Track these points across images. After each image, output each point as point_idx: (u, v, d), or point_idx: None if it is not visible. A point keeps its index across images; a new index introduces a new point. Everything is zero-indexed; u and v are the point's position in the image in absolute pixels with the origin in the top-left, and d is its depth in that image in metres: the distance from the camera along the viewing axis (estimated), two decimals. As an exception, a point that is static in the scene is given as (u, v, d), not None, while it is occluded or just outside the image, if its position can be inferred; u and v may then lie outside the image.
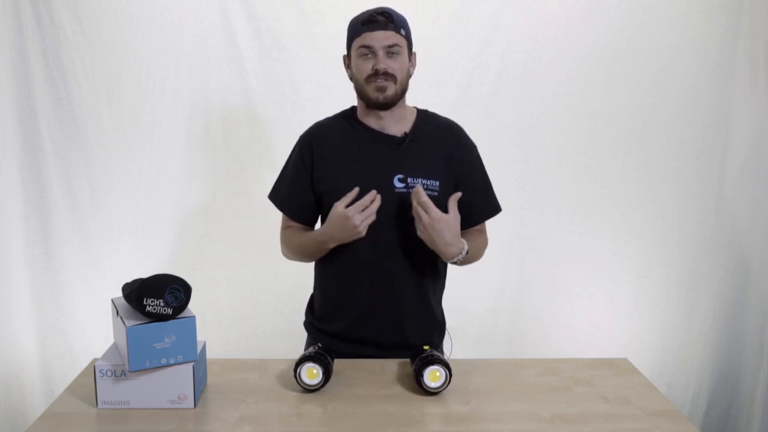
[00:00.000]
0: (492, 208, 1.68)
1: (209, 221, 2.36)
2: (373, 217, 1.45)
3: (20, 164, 2.13)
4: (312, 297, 1.73)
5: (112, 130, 2.22)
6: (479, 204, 1.65)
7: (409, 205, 1.52)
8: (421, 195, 1.44)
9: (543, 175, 2.39)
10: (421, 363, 1.35)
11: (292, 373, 1.35)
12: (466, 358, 1.68)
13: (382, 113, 1.56)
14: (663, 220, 2.37)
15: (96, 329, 2.25)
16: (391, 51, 1.49)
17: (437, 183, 1.55)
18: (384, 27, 1.48)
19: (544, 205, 2.40)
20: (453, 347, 1.75)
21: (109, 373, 1.27)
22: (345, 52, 1.59)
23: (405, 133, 1.58)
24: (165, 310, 1.25)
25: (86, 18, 2.12)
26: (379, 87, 1.50)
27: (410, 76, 1.57)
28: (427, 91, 2.13)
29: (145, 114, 2.24)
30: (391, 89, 1.51)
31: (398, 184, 1.53)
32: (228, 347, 2.32)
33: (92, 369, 1.31)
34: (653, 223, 2.38)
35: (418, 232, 1.47)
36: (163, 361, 1.26)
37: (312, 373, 1.34)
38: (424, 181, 1.54)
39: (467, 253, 1.52)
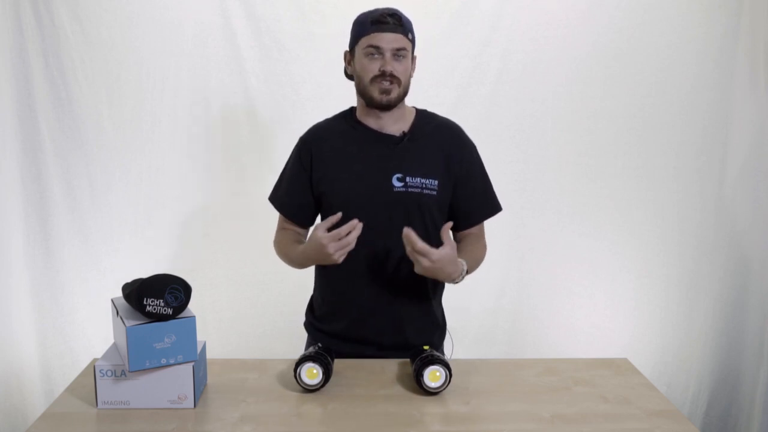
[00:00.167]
0: (492, 207, 1.67)
1: (209, 221, 2.36)
2: (351, 246, 1.41)
3: (20, 164, 2.13)
4: (312, 297, 1.73)
5: (112, 130, 2.22)
6: (479, 203, 1.65)
7: (409, 206, 1.53)
8: (415, 242, 1.39)
9: (543, 175, 2.39)
10: (421, 363, 1.35)
11: (292, 373, 1.35)
12: (466, 358, 1.68)
13: (382, 113, 1.56)
14: (663, 220, 2.37)
15: (96, 329, 2.25)
16: (398, 54, 1.50)
17: (436, 182, 1.56)
18: (393, 29, 1.48)
19: (544, 205, 2.40)
20: (453, 348, 1.75)
21: (109, 373, 1.27)
22: (346, 49, 1.59)
23: (403, 132, 1.58)
24: (165, 310, 1.25)
25: (86, 18, 2.12)
26: (384, 90, 1.50)
27: (411, 77, 1.57)
28: (427, 91, 2.13)
29: (145, 114, 2.24)
30: (395, 92, 1.51)
31: (397, 184, 1.53)
32: (228, 347, 2.32)
33: (92, 369, 1.31)
34: (653, 223, 2.38)
35: (417, 271, 1.44)
36: (163, 361, 1.26)
37: (312, 373, 1.34)
38: (423, 181, 1.54)
39: (466, 271, 1.53)
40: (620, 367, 1.53)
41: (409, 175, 1.54)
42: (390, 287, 1.56)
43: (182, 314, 1.28)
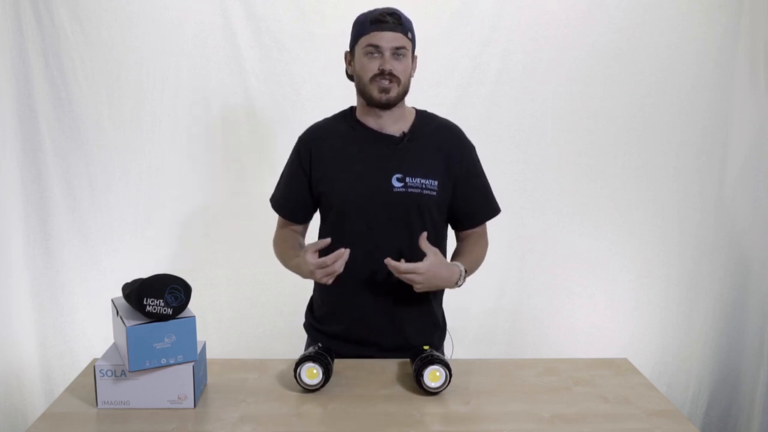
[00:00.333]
0: (492, 208, 1.68)
1: (209, 221, 2.36)
2: (339, 271, 1.43)
3: (20, 164, 2.13)
4: (312, 298, 1.73)
5: (112, 130, 2.22)
6: (479, 205, 1.65)
7: (408, 206, 1.53)
8: (398, 267, 1.42)
9: (543, 175, 2.39)
10: (421, 363, 1.35)
11: (292, 373, 1.35)
12: (466, 358, 1.68)
13: (382, 112, 1.56)
14: (663, 220, 2.37)
15: (96, 329, 2.25)
16: (397, 53, 1.50)
17: (436, 183, 1.55)
18: (393, 28, 1.49)
19: (544, 205, 2.40)
20: (454, 348, 1.75)
21: (109, 373, 1.27)
22: (347, 49, 1.59)
23: (403, 132, 1.58)
24: (165, 310, 1.25)
25: (86, 18, 2.12)
26: (383, 88, 1.50)
27: (411, 78, 1.57)
28: (427, 91, 2.13)
29: (145, 114, 2.24)
30: (394, 91, 1.51)
31: (397, 184, 1.53)
32: (228, 347, 2.32)
33: (92, 369, 1.31)
34: (653, 223, 2.38)
35: (417, 290, 1.47)
36: (163, 361, 1.26)
37: (312, 373, 1.34)
38: (423, 181, 1.54)
39: (466, 272, 1.54)
40: (620, 367, 1.53)
41: (409, 176, 1.54)
42: (390, 288, 1.56)
43: (182, 314, 1.28)
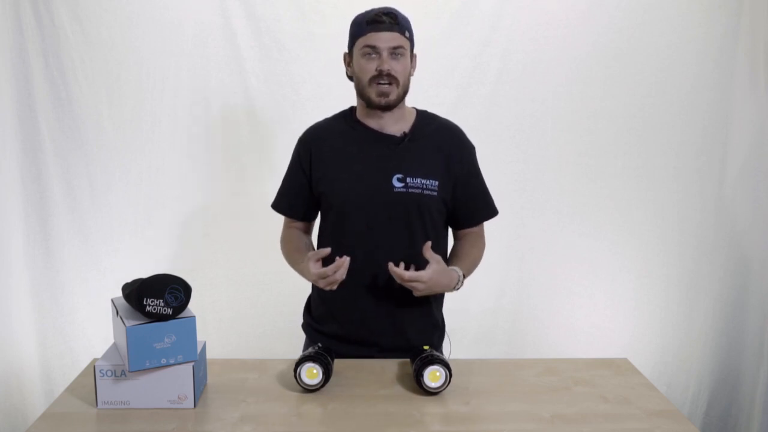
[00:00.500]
0: (490, 209, 1.68)
1: (209, 221, 2.36)
2: (341, 279, 1.44)
3: (20, 164, 2.13)
4: (310, 298, 1.73)
5: (112, 130, 2.22)
6: (479, 205, 1.66)
7: (409, 206, 1.53)
8: (402, 274, 1.43)
9: (543, 175, 2.39)
10: (421, 363, 1.35)
11: (292, 373, 1.35)
12: (465, 358, 1.68)
13: (383, 113, 1.56)
14: (663, 220, 2.37)
15: (96, 329, 2.25)
16: (395, 53, 1.49)
17: (436, 183, 1.55)
18: (389, 28, 1.48)
19: (544, 205, 2.40)
20: (452, 349, 1.75)
21: (109, 373, 1.27)
22: (345, 51, 1.59)
23: (404, 132, 1.58)
24: (165, 310, 1.25)
25: (86, 18, 2.12)
26: (381, 92, 1.50)
27: (411, 77, 1.57)
28: (427, 91, 2.13)
29: (145, 114, 2.24)
30: (394, 93, 1.51)
31: (397, 184, 1.53)
32: (228, 347, 2.32)
33: (92, 369, 1.31)
34: (653, 223, 2.38)
35: (417, 295, 1.48)
36: (163, 361, 1.26)
37: (312, 373, 1.34)
38: (424, 181, 1.54)
39: (464, 276, 1.55)
40: (620, 367, 1.53)
41: (410, 176, 1.54)
42: (390, 289, 1.55)
43: (182, 314, 1.28)
